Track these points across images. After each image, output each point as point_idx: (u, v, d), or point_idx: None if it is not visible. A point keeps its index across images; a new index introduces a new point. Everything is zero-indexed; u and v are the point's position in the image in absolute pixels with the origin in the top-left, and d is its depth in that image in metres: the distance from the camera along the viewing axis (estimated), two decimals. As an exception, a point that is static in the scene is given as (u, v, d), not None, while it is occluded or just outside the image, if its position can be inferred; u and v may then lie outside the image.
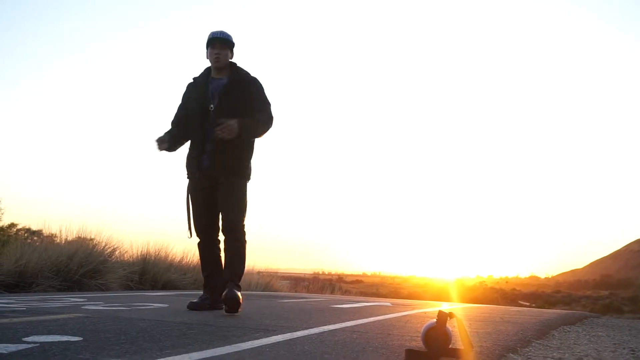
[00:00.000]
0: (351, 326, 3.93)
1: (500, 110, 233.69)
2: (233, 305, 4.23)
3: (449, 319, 2.84)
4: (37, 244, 8.42)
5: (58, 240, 8.31)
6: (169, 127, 4.75)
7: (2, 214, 15.16)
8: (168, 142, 4.51)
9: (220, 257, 4.68)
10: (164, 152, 4.52)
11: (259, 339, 2.98)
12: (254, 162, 4.67)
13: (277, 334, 3.19)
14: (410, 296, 25.13)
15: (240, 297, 4.29)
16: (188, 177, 4.62)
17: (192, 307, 4.53)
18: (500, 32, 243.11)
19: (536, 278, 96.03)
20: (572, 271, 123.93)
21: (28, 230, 14.86)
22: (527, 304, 30.75)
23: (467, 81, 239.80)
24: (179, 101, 4.78)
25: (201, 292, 4.77)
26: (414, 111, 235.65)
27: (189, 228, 4.60)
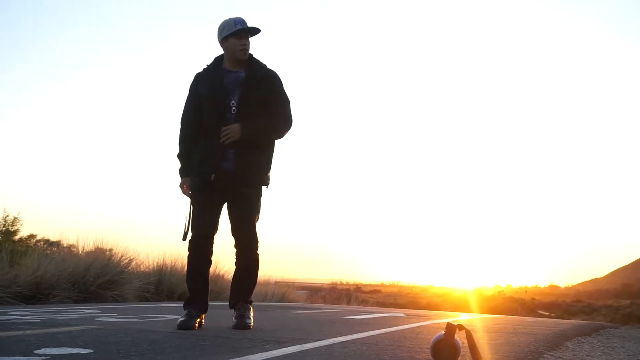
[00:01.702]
0: (362, 338, 3.93)
1: (518, 118, 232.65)
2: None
3: (457, 330, 2.85)
4: (55, 255, 8.49)
5: (76, 251, 8.38)
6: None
7: (21, 225, 15.34)
8: (189, 171, 4.12)
9: (210, 267, 4.21)
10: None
11: (268, 350, 2.99)
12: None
13: (287, 346, 3.20)
14: (429, 306, 24.95)
15: (252, 322, 4.09)
16: (196, 175, 4.07)
17: (183, 327, 3.87)
18: (502, 33, 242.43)
19: (556, 287, 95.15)
20: (593, 280, 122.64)
21: (47, 241, 15.02)
22: (547, 313, 30.45)
23: (487, 90, 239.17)
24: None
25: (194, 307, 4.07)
26: (431, 121, 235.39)
27: (185, 231, 4.06)
